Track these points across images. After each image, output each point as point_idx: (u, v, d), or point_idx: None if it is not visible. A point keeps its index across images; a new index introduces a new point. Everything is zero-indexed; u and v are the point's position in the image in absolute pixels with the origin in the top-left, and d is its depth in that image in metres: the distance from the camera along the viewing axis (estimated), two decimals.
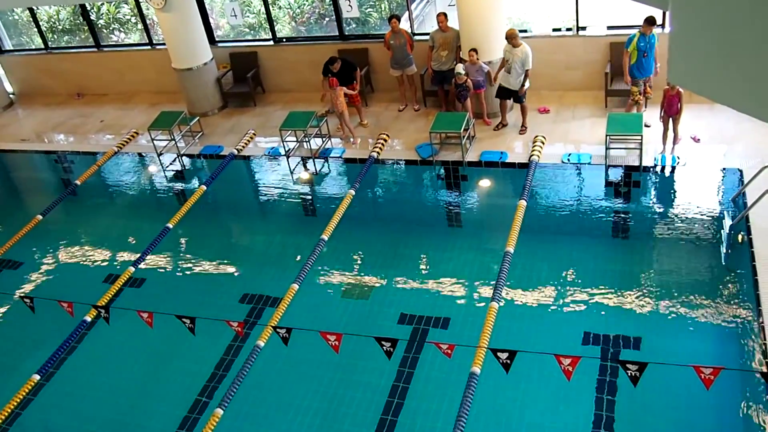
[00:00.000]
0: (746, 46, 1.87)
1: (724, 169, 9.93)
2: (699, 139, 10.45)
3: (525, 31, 12.73)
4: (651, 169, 10.22)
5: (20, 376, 8.41)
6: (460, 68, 11.26)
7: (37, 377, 8.32)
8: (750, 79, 1.92)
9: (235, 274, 10.17)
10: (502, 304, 8.20)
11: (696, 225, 9.41)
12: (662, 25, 11.45)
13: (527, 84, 11.12)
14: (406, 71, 12.59)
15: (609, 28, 11.96)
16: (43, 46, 16.14)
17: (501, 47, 11.23)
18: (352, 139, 12.12)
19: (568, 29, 12.21)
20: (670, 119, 10.06)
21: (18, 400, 8.08)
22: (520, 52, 10.88)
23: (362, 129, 12.48)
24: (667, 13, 2.24)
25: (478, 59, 11.29)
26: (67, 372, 8.68)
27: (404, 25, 12.98)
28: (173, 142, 12.85)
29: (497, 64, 11.34)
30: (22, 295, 9.55)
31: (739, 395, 6.99)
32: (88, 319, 9.00)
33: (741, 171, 9.67)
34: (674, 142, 10.27)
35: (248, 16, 14.96)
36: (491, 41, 11.12)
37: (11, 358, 9.17)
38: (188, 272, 10.27)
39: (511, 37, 10.85)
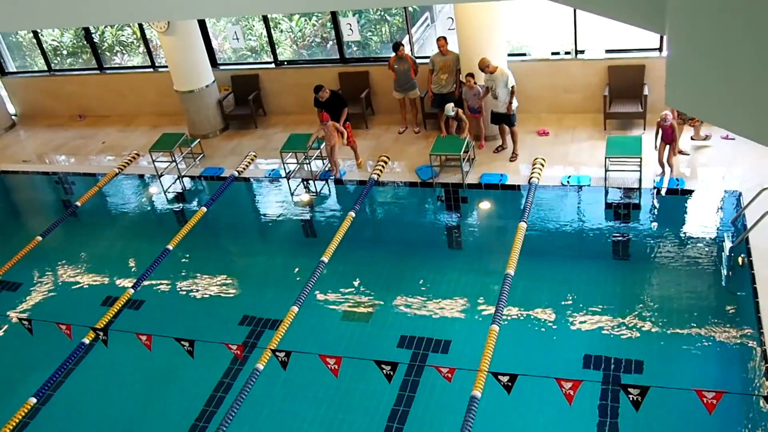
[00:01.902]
0: (744, 70, 1.88)
1: (723, 191, 9.94)
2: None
3: (524, 54, 12.81)
4: (650, 192, 10.23)
5: (17, 399, 8.35)
6: (449, 110, 11.33)
7: (33, 400, 8.26)
8: (748, 102, 1.92)
9: (235, 296, 10.15)
10: (503, 326, 8.16)
11: (696, 247, 9.41)
12: (659, 49, 11.53)
13: (515, 102, 11.17)
14: (409, 95, 12.65)
15: (607, 51, 12.04)
16: (46, 68, 16.23)
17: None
18: (334, 173, 11.96)
19: (567, 53, 12.28)
20: (667, 146, 10.11)
21: (14, 424, 8.01)
22: (499, 75, 11.03)
23: (361, 155, 12.30)
24: (665, 37, 2.26)
25: (475, 83, 11.34)
26: (64, 395, 8.61)
27: (404, 48, 13.07)
28: (174, 163, 12.89)
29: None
30: (20, 316, 9.52)
31: (742, 419, 6.94)
32: (87, 341, 8.96)
33: (740, 193, 9.68)
34: (671, 168, 10.27)
35: (250, 40, 15.07)
36: (491, 64, 11.15)
37: (8, 380, 9.11)
38: (188, 294, 10.24)
39: (484, 67, 11.00)
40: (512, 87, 11.04)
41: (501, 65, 11.14)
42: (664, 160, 10.20)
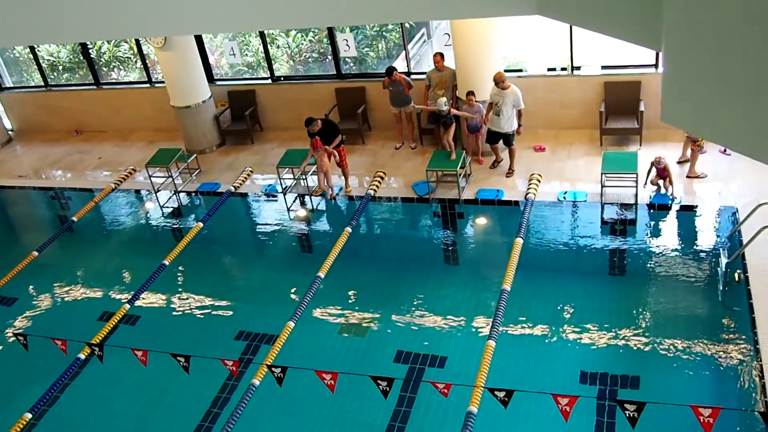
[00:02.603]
0: (740, 86, 1.89)
1: (719, 207, 9.97)
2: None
3: (520, 70, 12.86)
4: (646, 207, 10.25)
5: (12, 414, 8.30)
6: (441, 104, 11.27)
7: (28, 416, 8.22)
8: (744, 118, 1.93)
9: (231, 311, 10.11)
10: (499, 341, 8.15)
11: (692, 263, 9.42)
12: (655, 65, 11.59)
13: (515, 124, 11.16)
14: (405, 109, 12.67)
15: (603, 67, 12.10)
16: (42, 83, 16.26)
17: None
18: (329, 192, 11.85)
19: (563, 69, 12.35)
20: (661, 179, 10.17)
21: None
22: (510, 93, 10.93)
23: (350, 183, 12.10)
24: (661, 54, 2.30)
25: (476, 102, 11.33)
26: (59, 410, 8.57)
27: (401, 64, 13.12)
28: (170, 179, 12.88)
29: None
30: (15, 332, 9.48)
31: None
32: (82, 356, 8.93)
33: (736, 209, 9.71)
34: (665, 189, 10.27)
35: (247, 55, 15.12)
36: (487, 80, 11.21)
37: (3, 395, 9.06)
38: (184, 310, 10.21)
39: (500, 81, 10.91)
40: (520, 110, 11.04)
41: (513, 85, 11.08)
42: (660, 183, 10.22)
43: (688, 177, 10.59)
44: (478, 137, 11.77)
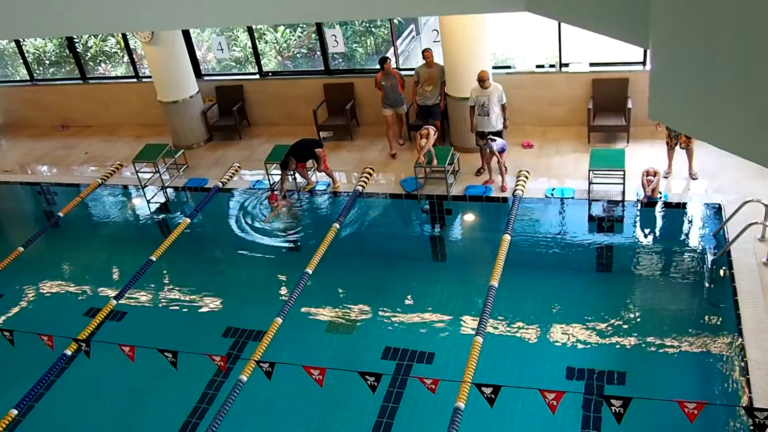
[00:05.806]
0: (726, 84, 1.90)
1: (705, 204, 10.03)
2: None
3: (509, 67, 12.88)
4: (633, 204, 10.30)
5: None
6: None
7: (14, 412, 8.17)
8: (730, 116, 1.95)
9: (219, 307, 10.08)
10: (486, 337, 8.17)
11: (678, 260, 9.48)
12: (643, 63, 11.64)
13: (507, 117, 11.16)
14: (397, 111, 12.54)
15: (591, 64, 12.13)
16: (28, 78, 16.14)
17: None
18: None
19: (551, 66, 12.37)
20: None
21: None
22: (494, 90, 10.94)
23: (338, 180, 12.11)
24: (648, 52, 2.31)
25: (494, 140, 10.83)
26: (45, 407, 8.52)
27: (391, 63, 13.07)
28: (158, 174, 12.81)
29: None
30: (0, 327, 9.41)
31: (723, 430, 6.98)
32: (69, 352, 8.88)
33: (722, 206, 9.76)
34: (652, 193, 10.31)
35: (234, 50, 15.06)
36: (475, 77, 11.22)
37: None
38: (171, 305, 10.18)
39: (484, 80, 10.86)
40: (504, 105, 11.02)
41: (492, 80, 11.05)
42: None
43: (692, 178, 10.54)
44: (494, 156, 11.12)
